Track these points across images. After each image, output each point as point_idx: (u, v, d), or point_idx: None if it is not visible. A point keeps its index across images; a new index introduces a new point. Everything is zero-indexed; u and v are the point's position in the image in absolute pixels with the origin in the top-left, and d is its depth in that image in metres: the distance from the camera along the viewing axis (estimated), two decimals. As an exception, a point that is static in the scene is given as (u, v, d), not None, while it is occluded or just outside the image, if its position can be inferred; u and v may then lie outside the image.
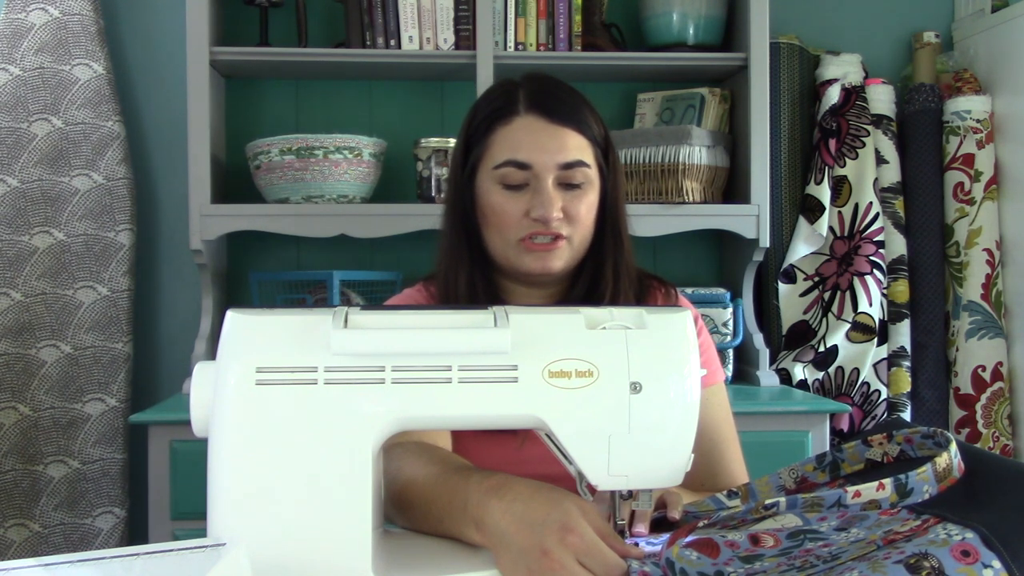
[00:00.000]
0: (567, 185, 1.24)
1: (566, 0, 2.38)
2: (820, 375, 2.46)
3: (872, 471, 0.90)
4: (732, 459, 1.28)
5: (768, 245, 2.37)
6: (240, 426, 0.81)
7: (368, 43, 2.35)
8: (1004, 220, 2.44)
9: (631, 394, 0.85)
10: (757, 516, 0.81)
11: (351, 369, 0.82)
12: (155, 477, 2.04)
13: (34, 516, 2.35)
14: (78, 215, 2.39)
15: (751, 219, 2.34)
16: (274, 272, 2.49)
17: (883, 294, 2.47)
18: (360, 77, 2.54)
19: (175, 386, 2.49)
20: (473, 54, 2.31)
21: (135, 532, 2.43)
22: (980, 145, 2.44)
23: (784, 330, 2.53)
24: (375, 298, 2.42)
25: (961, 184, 2.46)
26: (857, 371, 2.45)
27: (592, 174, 1.25)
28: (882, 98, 2.52)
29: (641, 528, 0.92)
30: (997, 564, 0.71)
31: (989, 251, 2.42)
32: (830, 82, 2.51)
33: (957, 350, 2.46)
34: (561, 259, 1.25)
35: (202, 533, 0.82)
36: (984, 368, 2.42)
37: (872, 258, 2.45)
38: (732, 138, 2.46)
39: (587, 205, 1.25)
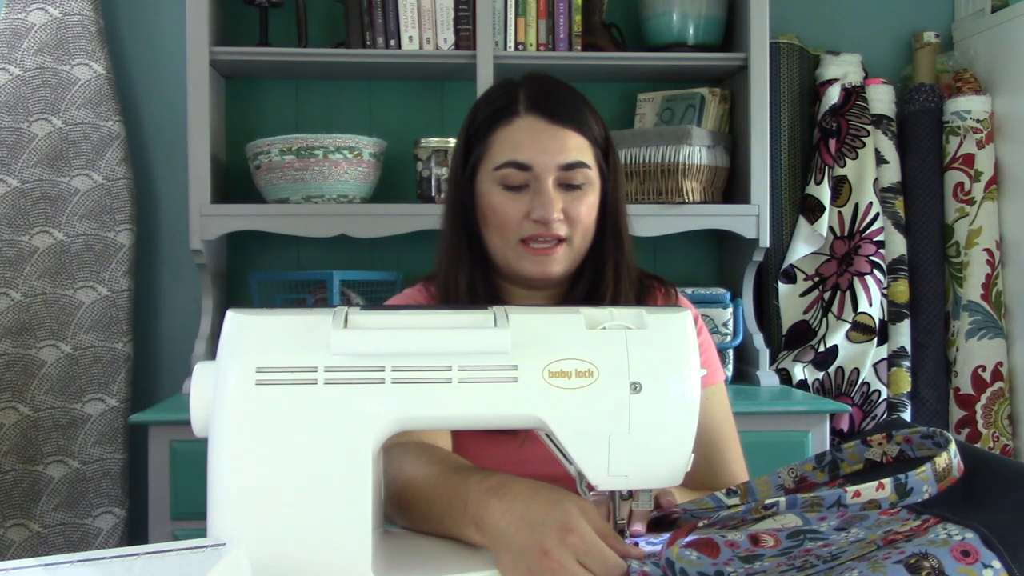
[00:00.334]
0: (567, 186, 1.23)
1: (566, 0, 2.38)
2: (820, 375, 2.46)
3: (871, 471, 0.90)
4: (732, 459, 1.28)
5: (768, 245, 2.37)
6: (240, 426, 0.81)
7: (368, 43, 2.35)
8: (1004, 220, 2.44)
9: (631, 394, 0.85)
10: (757, 516, 0.81)
11: (351, 369, 0.82)
12: (155, 477, 2.04)
13: (34, 516, 2.35)
14: (78, 215, 2.39)
15: (751, 219, 2.34)
16: (274, 272, 2.49)
17: (883, 294, 2.47)
18: (360, 77, 2.54)
19: (175, 386, 2.49)
20: (473, 54, 2.31)
21: (135, 532, 2.43)
22: (980, 145, 2.44)
23: (784, 330, 2.53)
24: (375, 298, 2.42)
25: (961, 184, 2.46)
26: (857, 371, 2.45)
27: (592, 175, 1.25)
28: (882, 98, 2.52)
29: (639, 527, 0.92)
30: (997, 564, 0.71)
31: (989, 251, 2.42)
32: (830, 82, 2.51)
33: (957, 350, 2.46)
34: (560, 263, 1.24)
35: (202, 533, 0.82)
36: (984, 368, 2.42)
37: (872, 258, 2.45)
38: (732, 138, 2.46)
39: (587, 206, 1.24)
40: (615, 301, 1.26)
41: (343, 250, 2.52)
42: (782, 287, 2.52)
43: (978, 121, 2.44)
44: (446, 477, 0.94)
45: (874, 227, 2.46)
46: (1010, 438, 2.42)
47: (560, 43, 2.38)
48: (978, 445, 2.37)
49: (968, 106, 2.44)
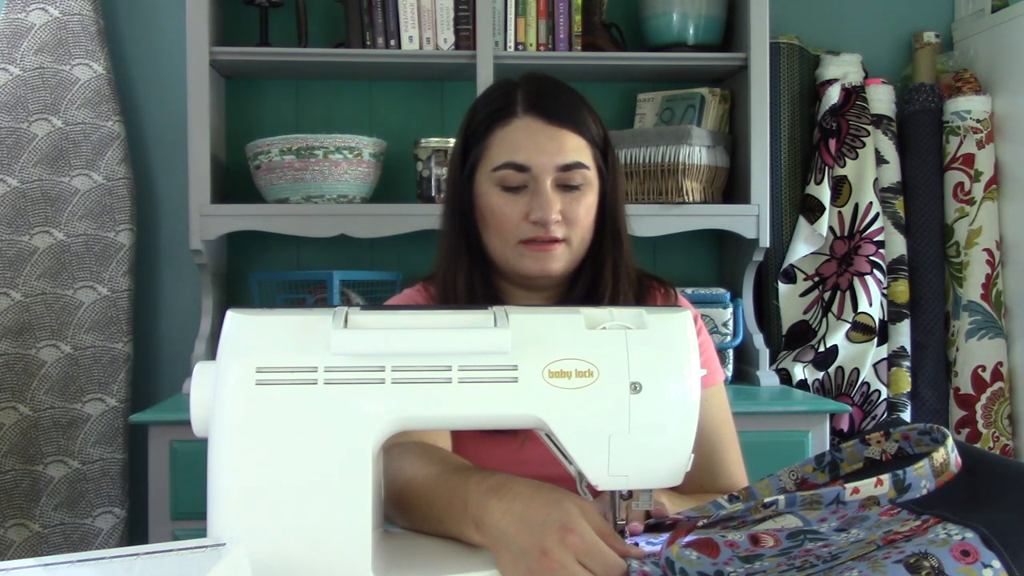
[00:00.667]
0: (566, 187, 1.23)
1: (566, 0, 2.38)
2: (820, 375, 2.46)
3: (871, 469, 0.90)
4: (731, 461, 1.28)
5: (768, 245, 2.37)
6: (240, 426, 0.81)
7: (368, 43, 2.35)
8: (1004, 220, 2.44)
9: (631, 394, 0.85)
10: (757, 516, 0.81)
11: (351, 369, 0.82)
12: (155, 477, 2.04)
13: (34, 516, 2.35)
14: (78, 215, 2.39)
15: (751, 219, 2.34)
16: (274, 272, 2.49)
17: (883, 294, 2.47)
18: (360, 77, 2.54)
19: (175, 386, 2.49)
20: (473, 54, 2.31)
21: (135, 532, 2.43)
22: (980, 145, 2.44)
23: (784, 330, 2.53)
24: (375, 298, 2.42)
25: (961, 184, 2.46)
26: (857, 371, 2.45)
27: (591, 175, 1.25)
28: (882, 98, 2.52)
29: (636, 525, 0.92)
30: (997, 564, 0.71)
31: (989, 251, 2.42)
32: (830, 82, 2.51)
33: (957, 350, 2.46)
34: (560, 261, 1.24)
35: (202, 533, 0.82)
36: (984, 368, 2.42)
37: (872, 258, 2.45)
38: (732, 138, 2.46)
39: (586, 207, 1.24)
40: (614, 301, 1.26)
41: (343, 250, 2.52)
42: (782, 287, 2.52)
43: (978, 121, 2.44)
44: (446, 477, 0.94)
45: (874, 227, 2.46)
46: (1010, 438, 2.42)
47: (560, 43, 2.38)
48: (978, 445, 2.37)
49: (968, 106, 2.44)
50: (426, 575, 0.87)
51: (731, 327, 2.38)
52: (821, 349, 2.45)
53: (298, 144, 2.25)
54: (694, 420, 0.87)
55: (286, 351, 0.82)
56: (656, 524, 0.93)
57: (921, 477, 0.77)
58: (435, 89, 2.57)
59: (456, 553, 0.90)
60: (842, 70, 2.52)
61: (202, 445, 0.83)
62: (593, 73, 2.51)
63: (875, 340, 2.45)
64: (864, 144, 2.48)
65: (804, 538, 0.80)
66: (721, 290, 2.41)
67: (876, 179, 2.48)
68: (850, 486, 0.77)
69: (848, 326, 2.46)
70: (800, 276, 2.53)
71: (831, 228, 2.49)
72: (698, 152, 2.33)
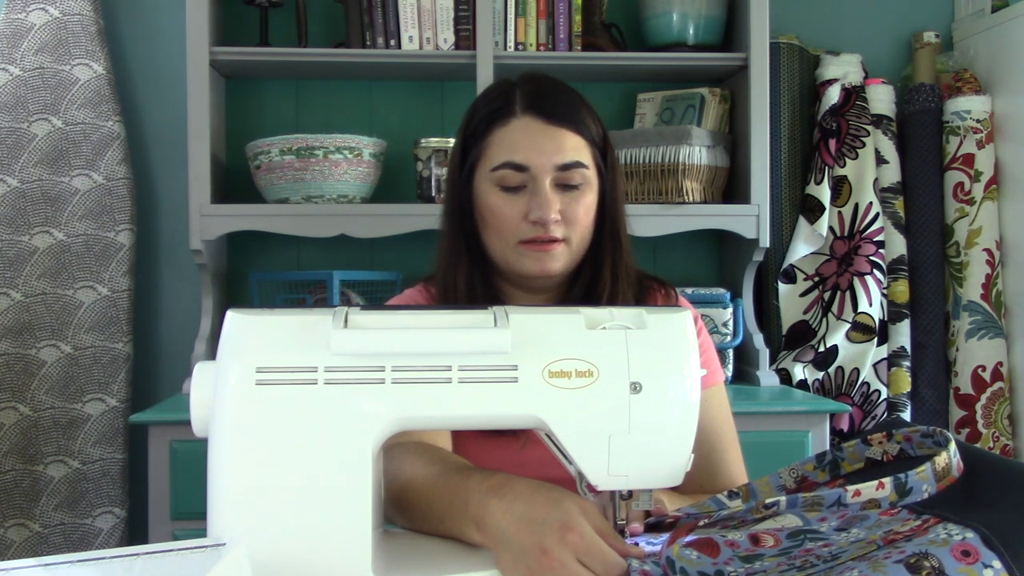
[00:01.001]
0: (565, 186, 1.23)
1: (566, 0, 2.38)
2: (820, 375, 2.46)
3: (872, 470, 0.90)
4: (731, 461, 1.28)
5: (768, 245, 2.37)
6: (240, 426, 0.81)
7: (368, 43, 2.35)
8: (1004, 220, 2.44)
9: (631, 394, 0.85)
10: (758, 516, 0.81)
11: (351, 369, 0.82)
12: (155, 477, 2.04)
13: (34, 516, 2.35)
14: (78, 215, 2.39)
15: (751, 219, 2.34)
16: (274, 272, 2.49)
17: (883, 294, 2.47)
18: (360, 77, 2.54)
19: (175, 386, 2.49)
20: (473, 54, 2.31)
21: (135, 532, 2.43)
22: (980, 145, 2.44)
23: (784, 330, 2.53)
24: (375, 298, 2.42)
25: (961, 184, 2.46)
26: (857, 371, 2.45)
27: (590, 175, 1.24)
28: (882, 98, 2.52)
29: (635, 526, 0.91)
30: (997, 564, 0.71)
31: (989, 251, 2.42)
32: (830, 82, 2.51)
33: (957, 350, 2.46)
34: (559, 261, 1.24)
35: (202, 533, 0.82)
36: (984, 368, 2.42)
37: (872, 258, 2.45)
38: (732, 138, 2.46)
39: (585, 206, 1.24)
40: (612, 301, 1.26)
41: (343, 250, 2.52)
42: (782, 287, 2.52)
43: (978, 121, 2.44)
44: (447, 477, 0.94)
45: (874, 227, 2.45)
46: (1010, 438, 2.42)
47: (560, 43, 2.38)
48: (978, 445, 2.37)
49: (968, 106, 2.44)
50: (426, 575, 0.87)
51: (731, 327, 2.38)
52: (821, 349, 2.45)
53: (298, 144, 2.25)
54: (694, 420, 0.87)
55: (286, 351, 0.82)
56: (656, 523, 0.93)
57: (923, 481, 0.77)
58: (435, 89, 2.57)
59: (456, 553, 0.89)
60: (842, 70, 2.52)
61: (202, 445, 0.83)
62: (593, 73, 2.51)
63: (875, 340, 2.45)
64: (864, 144, 2.48)
65: (804, 538, 0.80)
66: (721, 290, 2.41)
67: (876, 179, 2.48)
68: (852, 488, 0.77)
69: (848, 326, 2.46)
70: (800, 276, 2.53)
71: (831, 228, 2.49)
72: (698, 152, 2.33)
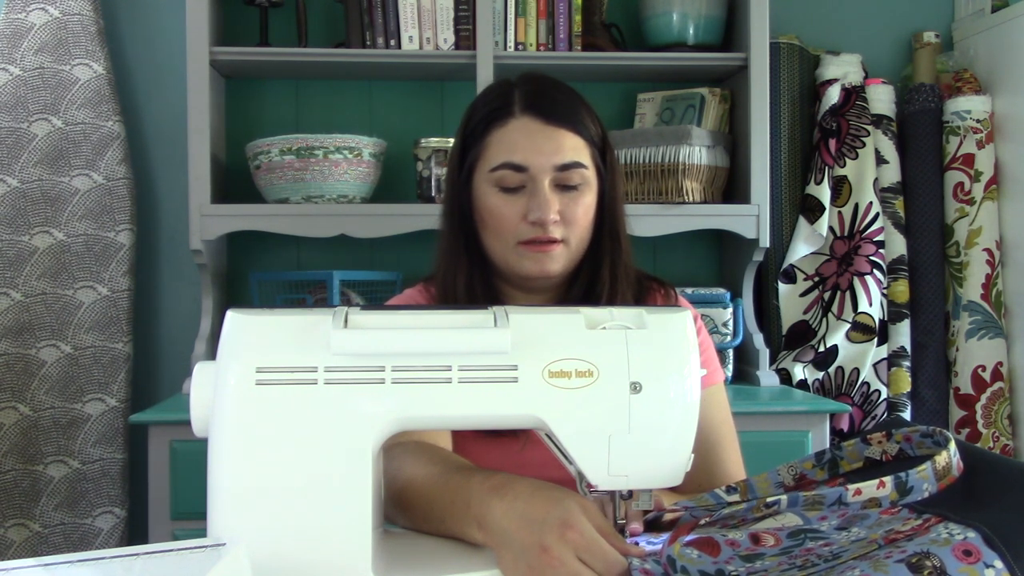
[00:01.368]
0: (564, 187, 1.23)
1: (566, 0, 2.38)
2: (820, 375, 2.46)
3: (871, 469, 0.90)
4: (731, 460, 1.28)
5: (768, 245, 2.37)
6: (240, 426, 0.81)
7: (368, 43, 2.35)
8: (1004, 220, 2.44)
9: (631, 394, 0.85)
10: (758, 515, 0.81)
11: (351, 369, 0.82)
12: (155, 477, 2.04)
13: (34, 516, 2.35)
14: (78, 215, 2.39)
15: (751, 219, 2.34)
16: (274, 272, 2.49)
17: (883, 294, 2.47)
18: (360, 77, 2.54)
19: (175, 386, 2.49)
20: (473, 54, 2.31)
21: (135, 532, 2.43)
22: (980, 145, 2.44)
23: (784, 330, 2.53)
24: (375, 298, 2.42)
25: (961, 184, 2.46)
26: (857, 371, 2.45)
27: (589, 175, 1.24)
28: (882, 98, 2.52)
29: (635, 526, 0.91)
30: (999, 564, 0.71)
31: (989, 251, 2.42)
32: (830, 82, 2.51)
33: (957, 350, 2.46)
34: (558, 262, 1.24)
35: (202, 533, 0.82)
36: (984, 368, 2.42)
37: (872, 258, 2.45)
38: (732, 138, 2.46)
39: (584, 207, 1.24)
40: (612, 302, 1.26)
41: (343, 250, 2.52)
42: (782, 287, 2.52)
43: (978, 121, 2.44)
44: (448, 477, 0.94)
45: (874, 227, 2.45)
46: (1010, 438, 2.42)
47: (560, 43, 2.38)
48: (978, 445, 2.37)
49: (968, 106, 2.44)
50: (426, 575, 0.87)
51: (731, 327, 2.38)
52: (821, 349, 2.45)
53: (298, 144, 2.25)
54: (694, 420, 0.87)
55: (286, 351, 0.82)
56: (654, 518, 0.93)
57: (923, 480, 0.77)
58: (435, 89, 2.57)
59: (456, 553, 0.89)
60: (842, 70, 2.52)
61: (202, 445, 0.83)
62: (593, 73, 2.51)
63: (875, 340, 2.45)
64: (864, 144, 2.48)
65: (805, 537, 0.80)
66: (721, 290, 2.41)
67: (876, 179, 2.48)
68: (852, 487, 0.77)
69: (848, 326, 2.46)
70: (800, 276, 2.53)
71: (831, 228, 2.49)
72: (698, 152, 2.33)
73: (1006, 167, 2.44)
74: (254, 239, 2.46)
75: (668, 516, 0.93)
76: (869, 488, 0.77)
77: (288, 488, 0.81)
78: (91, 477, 2.37)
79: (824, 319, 2.50)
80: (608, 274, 1.27)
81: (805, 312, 2.53)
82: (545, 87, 1.27)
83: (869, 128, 2.49)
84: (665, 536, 0.85)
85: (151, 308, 2.57)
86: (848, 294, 2.47)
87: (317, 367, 0.82)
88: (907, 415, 2.48)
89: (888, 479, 0.77)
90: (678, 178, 2.31)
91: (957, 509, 0.77)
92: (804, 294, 2.53)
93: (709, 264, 2.66)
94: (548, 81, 1.28)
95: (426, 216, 2.24)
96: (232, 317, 0.84)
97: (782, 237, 2.50)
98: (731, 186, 2.47)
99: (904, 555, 0.72)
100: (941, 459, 0.79)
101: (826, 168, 2.47)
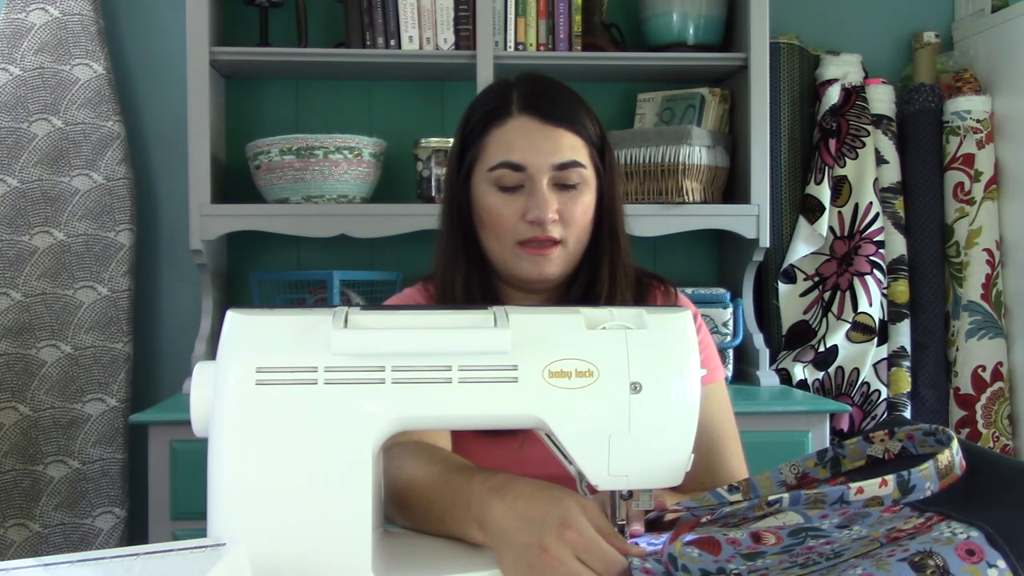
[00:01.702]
0: (562, 186, 1.23)
1: (566, 0, 2.38)
2: (820, 375, 2.46)
3: (873, 467, 0.90)
4: (732, 456, 1.28)
5: (768, 245, 2.37)
6: (240, 426, 0.81)
7: (368, 43, 2.35)
8: (1004, 220, 2.44)
9: (631, 394, 0.85)
10: (760, 514, 0.81)
11: (351, 369, 0.82)
12: (155, 477, 2.04)
13: (34, 516, 2.35)
14: (78, 215, 2.39)
15: (751, 219, 2.34)
16: (274, 272, 2.49)
17: (883, 294, 2.47)
18: (360, 77, 2.54)
19: (175, 386, 2.49)
20: (473, 54, 2.31)
21: (135, 532, 2.43)
22: (980, 145, 2.44)
23: (784, 330, 2.53)
24: (375, 298, 2.42)
25: (961, 184, 2.46)
26: (857, 371, 2.45)
27: (588, 174, 1.24)
28: (882, 98, 2.52)
29: (636, 527, 0.91)
30: (1002, 563, 0.71)
31: (989, 251, 2.42)
32: (830, 82, 2.51)
33: (957, 350, 2.46)
34: (556, 264, 1.24)
35: (202, 533, 0.82)
36: (984, 368, 2.42)
37: (872, 258, 2.45)
38: (732, 138, 2.46)
39: (583, 206, 1.24)
40: (611, 301, 1.26)
41: (343, 250, 2.52)
42: (782, 287, 2.52)
43: (978, 121, 2.44)
44: (448, 477, 0.94)
45: (874, 227, 2.45)
46: (1010, 438, 2.42)
47: (560, 43, 2.38)
48: (979, 445, 2.37)
49: (968, 106, 2.44)
50: (426, 575, 0.87)
51: (731, 327, 2.38)
52: (821, 349, 2.45)
53: (298, 144, 2.24)
54: (694, 420, 0.87)
55: (286, 351, 0.82)
56: (656, 518, 0.93)
57: (926, 479, 0.77)
58: (435, 89, 2.57)
59: (456, 553, 0.89)
60: (842, 70, 2.52)
61: (202, 445, 0.83)
62: (593, 73, 2.51)
63: (875, 340, 2.45)
64: (864, 144, 2.48)
65: (806, 535, 0.80)
66: (721, 290, 2.41)
67: (876, 179, 2.48)
68: (855, 486, 0.77)
69: (848, 326, 2.46)
70: (800, 276, 2.53)
71: (831, 228, 2.49)
72: (698, 152, 2.33)
73: (1006, 167, 2.44)
74: (254, 239, 2.46)
75: (669, 516, 0.93)
76: (871, 486, 0.77)
77: (288, 488, 0.81)
78: (91, 477, 2.37)
79: (824, 319, 2.50)
80: (607, 274, 1.27)
81: (805, 312, 2.53)
82: (543, 87, 1.27)
83: (869, 128, 2.49)
84: (666, 536, 0.85)
85: (151, 308, 2.57)
86: (848, 294, 2.47)
87: (317, 367, 0.82)
88: (907, 415, 2.48)
89: (890, 477, 0.77)
90: (678, 178, 2.31)
91: (959, 508, 0.77)
92: (804, 294, 2.53)
93: (709, 264, 2.66)
94: (547, 81, 1.28)
95: (426, 216, 2.24)
96: (232, 317, 0.84)
97: (782, 237, 2.50)
98: (731, 186, 2.46)
99: (907, 554, 0.72)
100: (943, 457, 0.79)
101: (826, 168, 2.47)
